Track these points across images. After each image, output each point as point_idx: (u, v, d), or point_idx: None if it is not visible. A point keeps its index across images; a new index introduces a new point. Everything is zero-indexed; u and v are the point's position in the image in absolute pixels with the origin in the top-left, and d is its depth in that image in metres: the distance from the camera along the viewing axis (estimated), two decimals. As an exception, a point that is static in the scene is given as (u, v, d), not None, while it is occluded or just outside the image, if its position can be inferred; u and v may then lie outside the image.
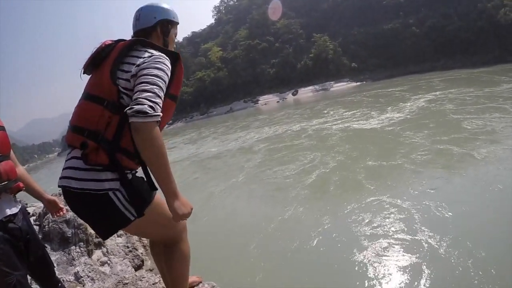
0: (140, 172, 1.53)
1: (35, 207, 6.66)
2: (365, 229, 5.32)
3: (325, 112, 21.56)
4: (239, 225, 6.67)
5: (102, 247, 4.15)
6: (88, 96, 1.44)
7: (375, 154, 9.21)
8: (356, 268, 4.37)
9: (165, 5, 1.67)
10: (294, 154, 10.89)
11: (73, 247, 4.28)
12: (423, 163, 8.09)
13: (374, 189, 6.94)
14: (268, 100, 57.53)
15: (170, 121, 70.21)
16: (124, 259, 4.15)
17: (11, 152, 1.98)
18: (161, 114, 1.28)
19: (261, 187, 8.74)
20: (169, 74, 1.41)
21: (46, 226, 4.02)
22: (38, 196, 2.17)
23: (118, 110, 1.36)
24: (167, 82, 1.38)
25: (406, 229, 5.15)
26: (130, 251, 4.40)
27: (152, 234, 1.72)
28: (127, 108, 1.25)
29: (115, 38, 1.61)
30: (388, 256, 4.55)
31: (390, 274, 4.21)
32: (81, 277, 3.34)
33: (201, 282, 2.24)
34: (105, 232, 1.50)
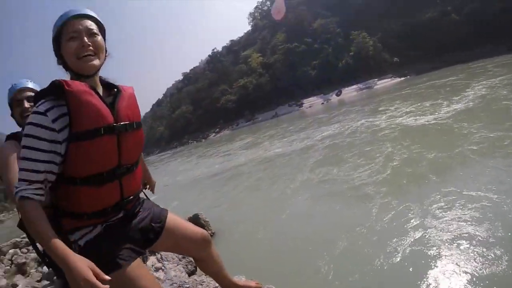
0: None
1: None
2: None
3: (376, 109, 20.87)
4: (309, 229, 5.88)
5: (157, 254, 4.26)
6: None
7: (441, 148, 8.33)
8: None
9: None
10: (356, 152, 10.39)
11: None
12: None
13: (450, 182, 5.98)
14: (313, 103, 57.88)
15: (217, 130, 72.75)
16: (177, 265, 4.29)
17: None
18: (22, 187, 1.22)
19: (331, 187, 7.97)
20: (38, 129, 1.23)
21: None
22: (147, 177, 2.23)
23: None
24: (38, 140, 1.23)
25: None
26: (184, 257, 4.53)
27: None
28: None
29: None
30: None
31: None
32: None
33: (260, 287, 2.23)
34: None
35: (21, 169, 1.23)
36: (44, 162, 1.24)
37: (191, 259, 4.45)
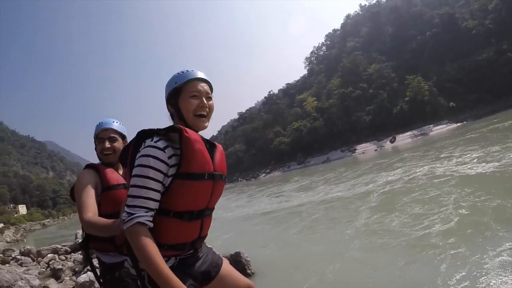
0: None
1: None
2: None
3: (437, 156, 19.75)
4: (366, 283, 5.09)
5: None
6: None
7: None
8: None
9: (170, 80, 1.57)
10: (418, 199, 9.84)
11: None
12: None
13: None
14: (366, 149, 56.98)
15: (268, 170, 73.00)
16: None
17: None
18: (140, 214, 1.30)
19: (392, 235, 7.23)
20: (157, 162, 1.35)
21: None
22: None
23: None
24: (156, 171, 1.34)
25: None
26: None
27: None
28: None
29: None
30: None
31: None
32: None
33: None
34: None
35: (138, 197, 1.31)
36: (158, 192, 1.36)
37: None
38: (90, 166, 2.16)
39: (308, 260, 6.86)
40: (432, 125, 53.03)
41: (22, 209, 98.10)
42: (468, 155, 15.56)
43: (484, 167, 11.69)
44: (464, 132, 30.14)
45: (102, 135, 2.17)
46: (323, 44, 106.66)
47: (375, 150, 53.78)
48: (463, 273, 4.51)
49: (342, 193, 15.71)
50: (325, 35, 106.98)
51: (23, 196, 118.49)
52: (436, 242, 6.02)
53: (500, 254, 4.74)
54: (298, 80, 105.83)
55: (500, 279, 4.12)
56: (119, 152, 2.08)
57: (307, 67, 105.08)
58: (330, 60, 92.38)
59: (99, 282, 2.10)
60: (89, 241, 2.07)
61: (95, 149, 2.22)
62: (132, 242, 1.28)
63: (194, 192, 1.45)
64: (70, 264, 9.26)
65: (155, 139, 1.40)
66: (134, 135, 1.54)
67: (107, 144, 2.16)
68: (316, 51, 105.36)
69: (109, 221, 1.69)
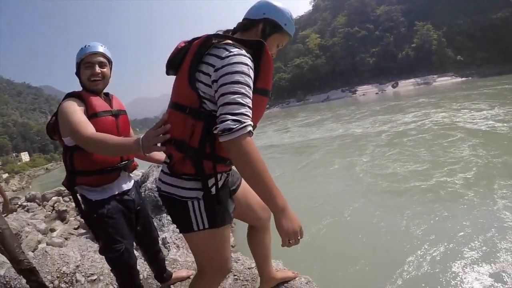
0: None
1: (133, 175, 9.07)
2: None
3: (432, 107, 20.64)
4: (341, 222, 6.03)
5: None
6: (172, 104, 1.41)
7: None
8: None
9: (283, 8, 1.47)
10: (406, 151, 10.49)
11: (164, 215, 4.85)
12: None
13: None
14: (367, 91, 57.25)
15: (267, 106, 76.37)
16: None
17: (131, 131, 2.17)
18: (250, 122, 1.18)
19: (372, 183, 8.13)
20: (251, 71, 1.26)
21: (143, 193, 4.24)
22: (160, 161, 2.20)
23: (200, 116, 1.30)
24: (251, 81, 1.25)
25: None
26: None
27: (197, 254, 1.58)
28: (213, 128, 1.22)
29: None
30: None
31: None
32: (168, 243, 3.44)
33: (296, 277, 2.26)
34: (179, 229, 1.51)
35: (244, 105, 1.19)
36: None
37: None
38: (71, 94, 1.92)
39: (325, 199, 7.46)
40: (436, 76, 53.10)
41: (25, 156, 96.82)
42: (467, 109, 16.39)
43: (488, 123, 12.30)
44: (470, 87, 30.51)
45: (90, 59, 1.93)
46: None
47: (376, 93, 54.19)
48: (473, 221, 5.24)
49: (359, 129, 16.71)
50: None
51: (25, 144, 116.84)
52: (446, 191, 6.71)
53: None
54: (302, 15, 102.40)
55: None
56: (107, 79, 2.02)
57: (313, 3, 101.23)
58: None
59: (86, 221, 2.01)
60: (75, 178, 1.92)
61: (77, 74, 2.00)
62: (244, 153, 1.16)
63: (262, 109, 1.43)
64: (73, 205, 9.31)
65: (238, 49, 1.29)
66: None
67: (98, 69, 1.94)
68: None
69: (121, 138, 1.49)
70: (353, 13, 75.76)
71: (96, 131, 1.65)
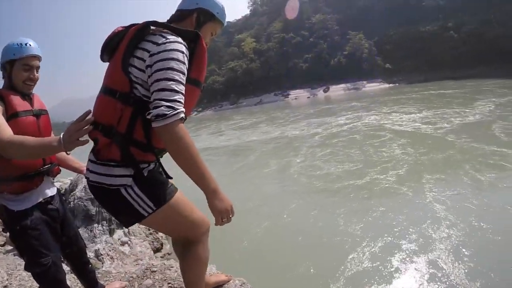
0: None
1: (61, 182, 7.06)
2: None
3: (363, 110, 21.57)
4: (279, 224, 6.12)
5: (124, 227, 4.22)
6: (103, 88, 1.39)
7: (428, 157, 8.88)
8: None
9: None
10: (340, 152, 10.84)
11: (95, 225, 4.67)
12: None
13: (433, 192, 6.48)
14: (299, 95, 57.65)
15: (200, 109, 71.53)
16: (144, 240, 4.27)
17: (52, 134, 2.01)
18: (182, 109, 1.23)
19: (308, 183, 8.36)
20: (186, 59, 1.31)
21: (72, 203, 4.19)
22: (78, 170, 2.17)
23: (130, 102, 1.31)
24: (185, 69, 1.31)
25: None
26: (151, 234, 4.59)
27: (169, 231, 1.66)
28: (146, 114, 1.24)
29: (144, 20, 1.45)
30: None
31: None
32: (101, 254, 3.41)
33: (230, 280, 2.25)
34: (124, 223, 1.53)
35: (177, 92, 1.23)
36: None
37: (158, 236, 4.62)
38: None
39: (261, 201, 7.52)
40: (365, 81, 54.48)
41: None
42: (397, 113, 18.00)
43: (411, 124, 13.91)
44: (395, 93, 32.93)
45: (29, 62, 1.83)
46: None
47: (308, 97, 54.92)
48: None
49: (294, 131, 17.41)
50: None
51: None
52: (380, 188, 7.16)
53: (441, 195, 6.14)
54: (239, 19, 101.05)
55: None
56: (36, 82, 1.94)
57: (250, 7, 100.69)
58: (275, 3, 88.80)
59: (10, 235, 1.84)
60: None
61: (6, 74, 1.85)
62: (177, 138, 1.22)
63: (194, 99, 1.49)
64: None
65: (175, 36, 1.35)
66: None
67: (37, 75, 1.88)
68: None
69: (40, 138, 1.47)
70: (289, 20, 75.63)
71: (16, 133, 1.61)
